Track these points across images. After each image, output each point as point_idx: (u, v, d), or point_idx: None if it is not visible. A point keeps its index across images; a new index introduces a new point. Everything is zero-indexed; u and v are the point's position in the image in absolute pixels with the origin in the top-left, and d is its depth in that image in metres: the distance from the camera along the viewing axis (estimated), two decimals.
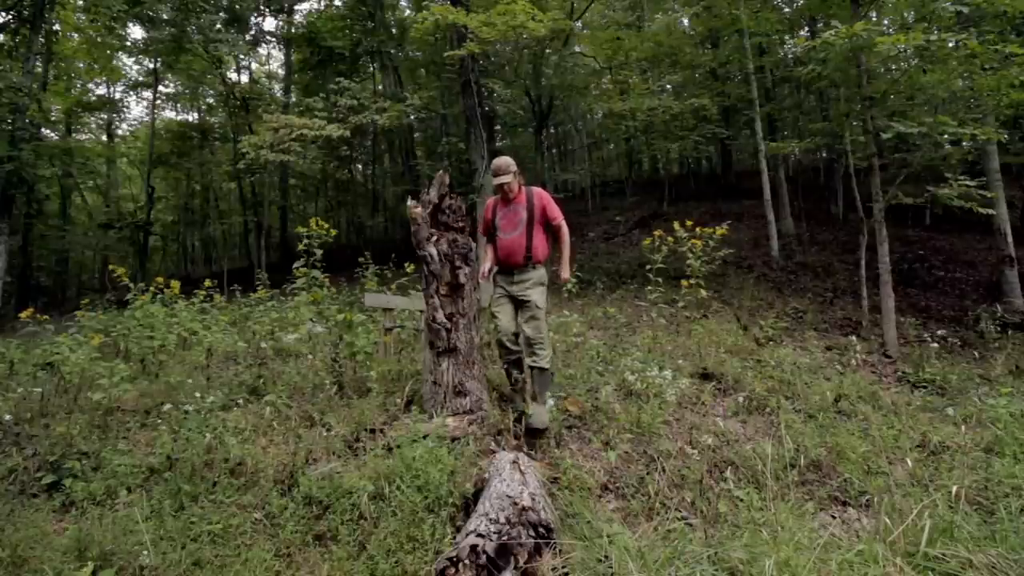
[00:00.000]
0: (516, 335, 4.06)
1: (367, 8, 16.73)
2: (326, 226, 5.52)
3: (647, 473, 3.37)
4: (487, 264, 4.09)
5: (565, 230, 4.06)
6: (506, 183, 3.93)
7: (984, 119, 7.65)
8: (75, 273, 23.30)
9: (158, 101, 21.07)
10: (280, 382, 4.83)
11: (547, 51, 11.56)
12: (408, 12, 18.80)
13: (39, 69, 15.11)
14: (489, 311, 4.11)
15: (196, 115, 22.68)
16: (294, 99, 19.20)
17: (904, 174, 7.58)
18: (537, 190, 4.06)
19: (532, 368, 3.94)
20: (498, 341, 4.13)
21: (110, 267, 6.12)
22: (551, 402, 3.98)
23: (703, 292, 5.99)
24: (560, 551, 2.28)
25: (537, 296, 3.95)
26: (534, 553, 2.19)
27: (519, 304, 4.01)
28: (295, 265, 5.58)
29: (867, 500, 3.18)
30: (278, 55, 23.65)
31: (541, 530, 2.29)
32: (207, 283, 6.63)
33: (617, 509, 3.05)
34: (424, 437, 3.35)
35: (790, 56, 14.41)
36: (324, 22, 17.95)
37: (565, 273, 4.04)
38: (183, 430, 3.61)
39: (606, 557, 2.29)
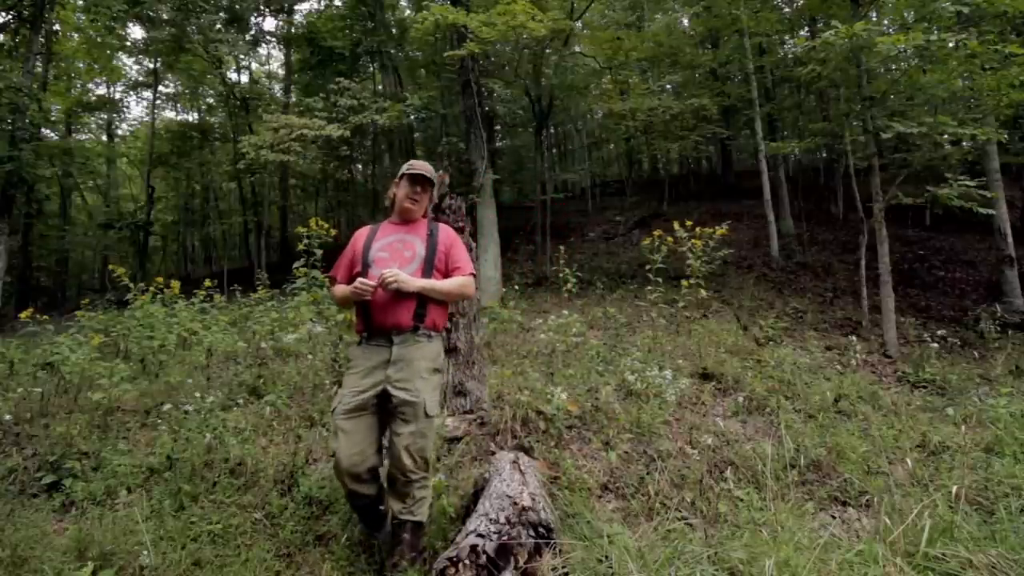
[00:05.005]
0: (371, 468, 2.40)
1: (367, 8, 16.73)
2: (326, 226, 5.52)
3: (647, 473, 3.37)
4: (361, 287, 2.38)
5: (471, 283, 2.58)
6: (428, 189, 2.64)
7: (984, 119, 7.65)
8: (75, 273, 23.29)
9: (158, 101, 21.10)
10: (280, 382, 4.84)
11: (547, 51, 11.53)
12: (408, 12, 18.79)
13: (39, 69, 15.10)
14: (331, 416, 2.44)
15: (196, 115, 22.68)
16: (294, 99, 19.20)
17: (904, 174, 7.58)
18: (443, 225, 2.71)
19: (401, 522, 2.41)
20: (339, 474, 2.38)
21: (110, 267, 6.13)
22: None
23: (703, 292, 6.00)
24: (560, 551, 2.28)
25: (429, 392, 2.39)
26: (534, 553, 2.19)
27: (389, 404, 2.40)
28: (295, 265, 5.58)
29: (867, 500, 3.18)
30: (278, 55, 23.68)
31: (541, 530, 2.29)
32: (207, 283, 6.63)
33: (617, 509, 3.05)
34: None
35: (790, 56, 14.41)
36: (324, 22, 17.95)
37: (415, 280, 2.41)
38: (183, 430, 3.62)
39: (606, 557, 2.29)
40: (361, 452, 2.36)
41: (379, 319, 2.43)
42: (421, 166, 2.65)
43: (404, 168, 2.66)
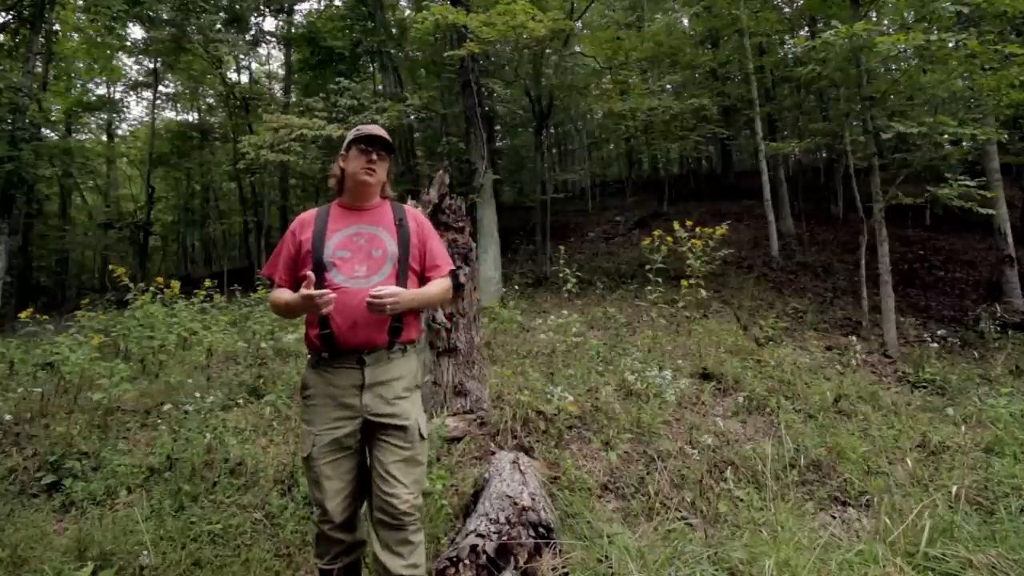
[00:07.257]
0: (350, 521, 2.01)
1: (367, 8, 16.71)
2: None
3: (647, 473, 3.37)
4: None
5: (450, 284, 2.12)
6: (386, 157, 2.09)
7: (984, 119, 7.65)
8: (75, 273, 23.29)
9: (158, 101, 21.09)
10: (280, 382, 4.84)
11: (547, 51, 11.54)
12: (408, 12, 18.80)
13: (39, 69, 15.09)
14: (303, 459, 2.01)
15: (196, 115, 22.67)
16: (294, 99, 19.18)
17: (904, 174, 7.60)
18: (411, 209, 2.17)
19: None
20: (318, 533, 2.01)
21: (110, 267, 6.13)
22: None
23: (703, 292, 6.00)
24: (560, 551, 2.28)
25: (417, 412, 2.02)
26: (534, 553, 2.19)
27: (373, 440, 1.96)
28: None
29: (867, 500, 3.18)
30: (278, 55, 23.63)
31: (541, 530, 2.29)
32: (207, 283, 6.63)
33: (617, 509, 3.05)
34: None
35: (790, 56, 14.42)
36: (324, 22, 17.94)
37: (407, 295, 1.93)
38: (183, 430, 3.62)
39: (606, 557, 2.29)
40: (350, 497, 1.98)
41: (347, 338, 1.91)
42: (373, 127, 2.08)
43: (351, 134, 2.08)
